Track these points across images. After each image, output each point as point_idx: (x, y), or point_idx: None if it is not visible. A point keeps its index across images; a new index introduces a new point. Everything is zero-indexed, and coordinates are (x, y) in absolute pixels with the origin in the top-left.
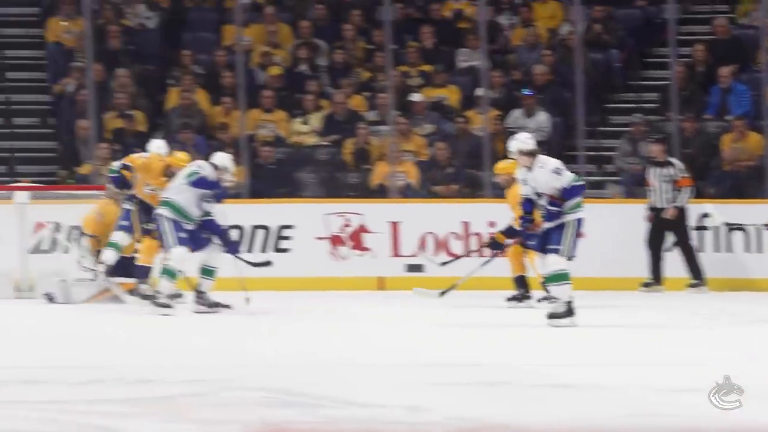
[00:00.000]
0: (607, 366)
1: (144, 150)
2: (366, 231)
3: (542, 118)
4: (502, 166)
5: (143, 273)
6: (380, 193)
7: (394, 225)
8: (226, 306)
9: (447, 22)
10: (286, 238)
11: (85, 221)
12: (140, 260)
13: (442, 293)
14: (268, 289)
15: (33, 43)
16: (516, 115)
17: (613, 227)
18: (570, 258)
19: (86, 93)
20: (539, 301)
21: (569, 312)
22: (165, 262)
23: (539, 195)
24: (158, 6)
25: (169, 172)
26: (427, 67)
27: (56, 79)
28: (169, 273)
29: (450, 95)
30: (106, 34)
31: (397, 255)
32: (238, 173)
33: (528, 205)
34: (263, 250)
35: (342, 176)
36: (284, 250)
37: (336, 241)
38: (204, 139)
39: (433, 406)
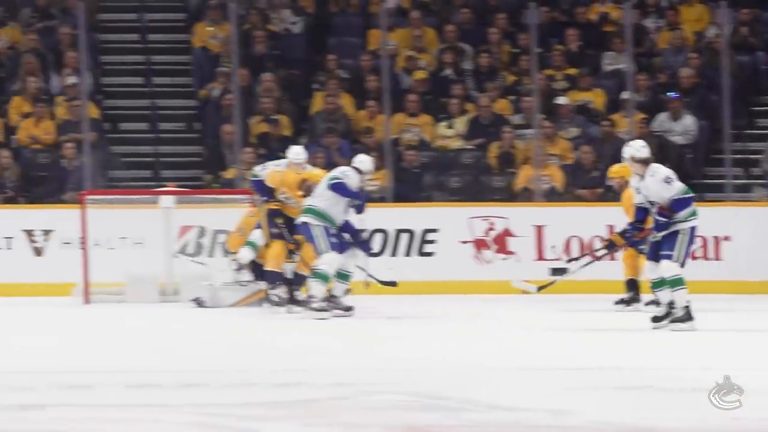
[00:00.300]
0: (751, 370)
1: (284, 155)
2: (510, 234)
3: (688, 121)
4: (615, 169)
5: (273, 278)
6: (525, 196)
7: (539, 228)
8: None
9: (592, 25)
10: (430, 241)
11: (230, 240)
12: (269, 266)
13: (540, 288)
14: (412, 292)
15: (179, 48)
16: (662, 118)
17: (759, 230)
18: (682, 264)
19: (231, 98)
20: (647, 304)
21: (688, 316)
22: (317, 266)
23: (651, 203)
24: (304, 11)
25: (305, 186)
26: (572, 71)
27: (202, 84)
28: (322, 277)
29: (595, 98)
30: (252, 39)
31: (541, 258)
32: (382, 177)
33: (641, 213)
34: (407, 253)
35: (486, 180)
36: (428, 254)
37: (480, 244)
38: (348, 143)
39: (577, 410)
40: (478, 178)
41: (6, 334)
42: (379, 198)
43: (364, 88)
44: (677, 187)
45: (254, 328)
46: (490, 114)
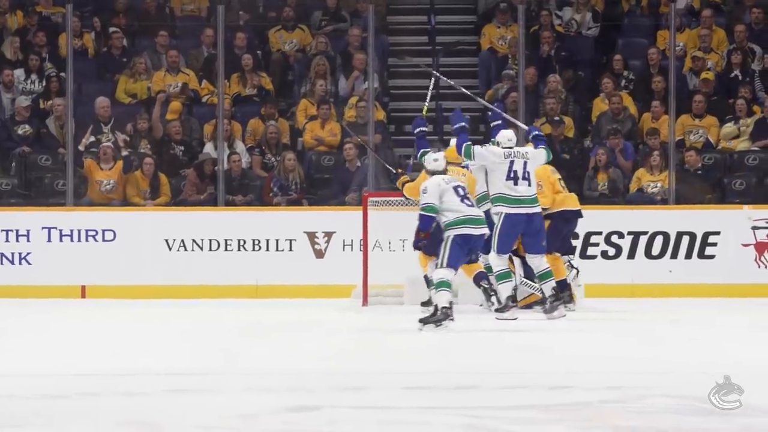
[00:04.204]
0: None
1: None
2: None
3: None
4: None
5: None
6: None
7: None
8: None
9: None
10: (711, 244)
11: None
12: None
13: None
14: (691, 295)
15: (467, 50)
16: None
17: None
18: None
19: (501, 99)
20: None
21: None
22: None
23: None
24: (596, 12)
25: None
26: None
27: (488, 86)
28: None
29: None
30: (539, 40)
31: None
32: (665, 179)
33: None
34: (688, 256)
35: None
36: (710, 257)
37: (762, 247)
38: (632, 144)
39: None
40: (763, 181)
41: (284, 335)
42: (660, 200)
43: (650, 88)
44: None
45: (529, 330)
46: None
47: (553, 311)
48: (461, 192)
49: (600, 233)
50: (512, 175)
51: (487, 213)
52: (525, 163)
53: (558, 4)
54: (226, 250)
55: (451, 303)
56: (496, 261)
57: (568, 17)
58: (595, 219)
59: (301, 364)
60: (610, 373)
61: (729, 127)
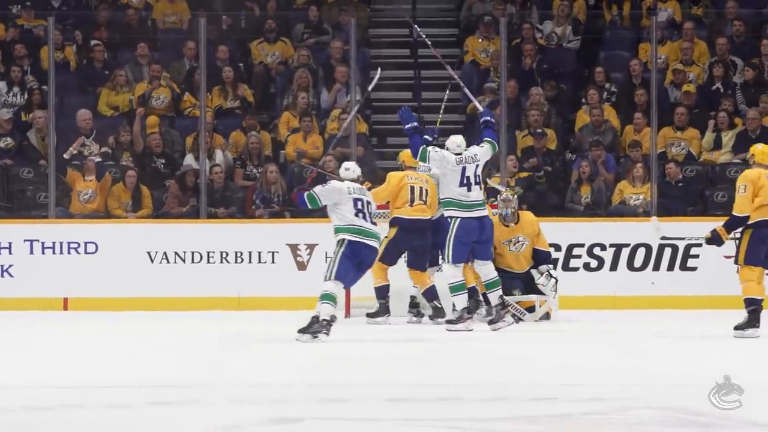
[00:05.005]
0: None
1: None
2: None
3: None
4: None
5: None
6: None
7: None
8: None
9: None
10: (694, 256)
11: None
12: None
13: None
14: (674, 307)
15: (449, 63)
16: None
17: None
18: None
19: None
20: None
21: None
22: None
23: None
24: (577, 24)
25: None
26: None
27: (469, 98)
28: None
29: None
30: (522, 52)
31: None
32: (647, 191)
33: None
34: (670, 268)
35: None
36: (692, 269)
37: None
38: (614, 156)
39: None
40: None
41: (267, 347)
42: (642, 213)
43: (633, 101)
44: None
45: (511, 341)
46: (758, 127)
47: (498, 321)
48: (359, 206)
49: (582, 245)
50: (465, 181)
51: (439, 219)
52: (476, 167)
53: (540, 18)
54: (208, 262)
55: (332, 317)
56: (450, 272)
57: (549, 30)
58: (577, 231)
59: (284, 376)
60: (593, 385)
61: (708, 136)
